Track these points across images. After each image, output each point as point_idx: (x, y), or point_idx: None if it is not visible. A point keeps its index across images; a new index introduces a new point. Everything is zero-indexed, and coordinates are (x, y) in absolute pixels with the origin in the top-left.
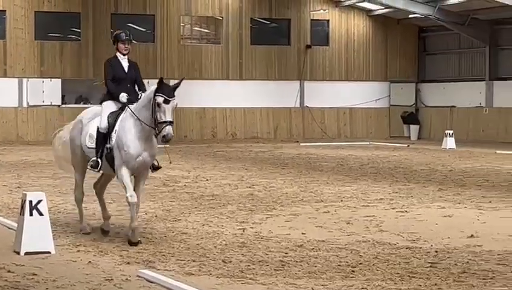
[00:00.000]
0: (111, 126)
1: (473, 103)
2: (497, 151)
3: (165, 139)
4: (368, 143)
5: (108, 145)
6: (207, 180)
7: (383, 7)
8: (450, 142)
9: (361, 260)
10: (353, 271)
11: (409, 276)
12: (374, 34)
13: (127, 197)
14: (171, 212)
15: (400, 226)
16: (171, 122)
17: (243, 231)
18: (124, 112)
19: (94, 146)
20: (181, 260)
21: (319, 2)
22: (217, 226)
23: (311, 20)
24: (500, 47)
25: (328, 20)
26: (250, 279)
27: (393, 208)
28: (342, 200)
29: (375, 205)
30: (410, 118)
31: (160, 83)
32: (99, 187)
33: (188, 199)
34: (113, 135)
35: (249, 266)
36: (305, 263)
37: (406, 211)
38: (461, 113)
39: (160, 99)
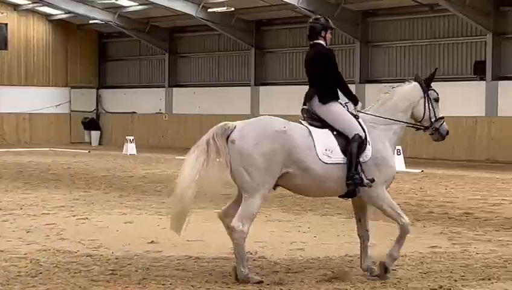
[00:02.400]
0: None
1: (154, 109)
2: (177, 157)
3: (447, 134)
4: (48, 149)
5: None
6: None
7: (63, 12)
8: (130, 148)
9: (41, 269)
10: (33, 281)
11: (90, 284)
12: (54, 38)
13: (402, 225)
14: None
15: (80, 233)
16: None
17: None
18: (359, 120)
19: (337, 161)
20: None
21: None
22: None
23: None
24: (179, 54)
25: (6, 24)
26: None
27: (74, 216)
28: (21, 208)
29: (56, 212)
30: (91, 123)
31: (434, 75)
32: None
33: None
34: (368, 148)
35: None
36: None
37: (87, 218)
38: (142, 119)
39: (435, 94)
